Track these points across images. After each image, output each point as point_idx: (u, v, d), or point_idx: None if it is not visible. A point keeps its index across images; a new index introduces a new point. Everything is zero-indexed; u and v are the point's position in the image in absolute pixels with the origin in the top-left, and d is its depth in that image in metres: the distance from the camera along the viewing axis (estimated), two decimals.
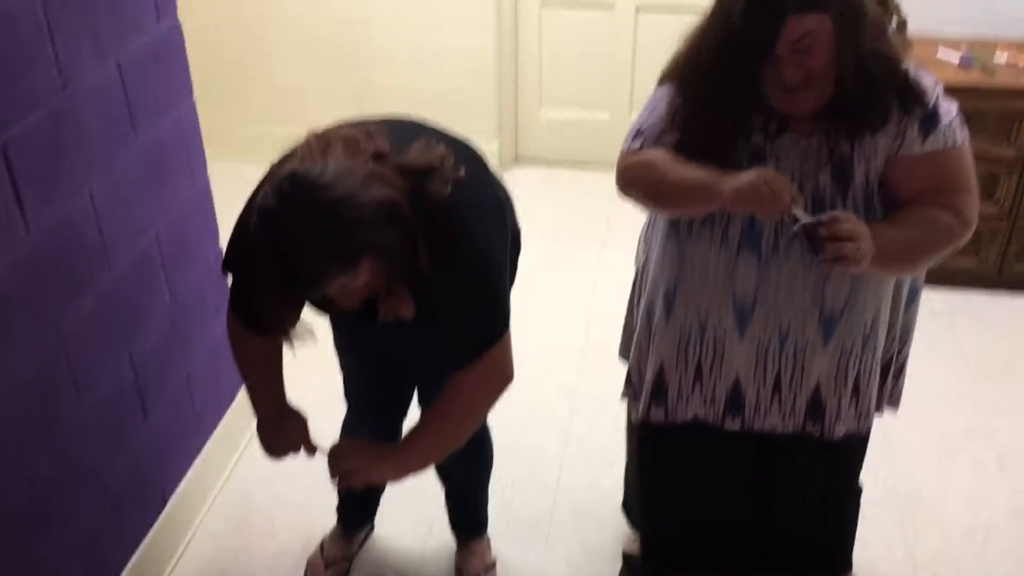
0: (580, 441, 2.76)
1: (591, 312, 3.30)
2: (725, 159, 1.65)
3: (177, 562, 2.35)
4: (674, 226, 1.77)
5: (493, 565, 2.32)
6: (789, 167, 1.65)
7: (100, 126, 1.89)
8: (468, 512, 2.33)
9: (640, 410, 1.95)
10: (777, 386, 1.83)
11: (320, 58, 4.03)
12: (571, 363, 3.06)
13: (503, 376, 1.72)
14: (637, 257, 1.99)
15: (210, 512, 2.50)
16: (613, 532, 2.46)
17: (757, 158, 1.66)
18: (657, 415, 1.93)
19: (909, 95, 1.62)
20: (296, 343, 1.65)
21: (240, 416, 2.66)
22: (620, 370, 2.99)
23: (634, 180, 1.76)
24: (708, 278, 1.75)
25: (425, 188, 1.50)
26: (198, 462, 2.44)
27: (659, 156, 1.72)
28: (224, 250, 1.72)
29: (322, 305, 1.72)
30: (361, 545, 2.41)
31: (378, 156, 1.46)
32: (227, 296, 2.49)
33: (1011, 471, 2.64)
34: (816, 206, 1.65)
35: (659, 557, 2.27)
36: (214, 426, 2.53)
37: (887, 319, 1.80)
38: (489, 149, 3.88)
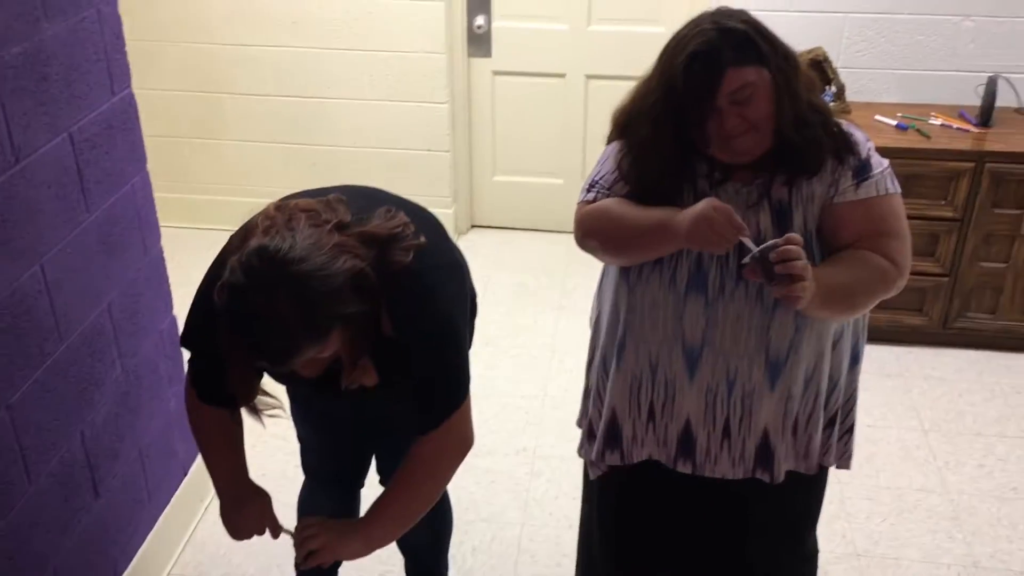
0: (540, 504, 2.75)
1: (549, 376, 3.31)
2: (670, 205, 1.70)
3: None
4: (624, 272, 1.81)
5: None
6: (731, 206, 1.69)
7: (52, 200, 1.88)
8: None
9: (594, 454, 1.95)
10: (727, 431, 1.85)
11: (274, 127, 4.06)
12: (529, 427, 3.06)
13: (464, 441, 1.72)
14: (591, 316, 2.02)
15: None
16: None
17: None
18: (612, 459, 1.93)
19: (842, 146, 1.70)
20: (263, 414, 1.64)
21: (194, 489, 2.62)
22: (578, 433, 3.01)
23: (592, 229, 1.80)
24: (658, 321, 1.78)
25: (388, 256, 1.51)
26: (151, 538, 2.39)
27: (613, 203, 1.77)
28: (183, 324, 1.71)
29: (282, 376, 1.72)
30: None
31: (340, 226, 1.48)
32: (181, 368, 2.49)
33: (966, 524, 2.68)
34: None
35: None
36: (167, 500, 2.48)
37: (829, 366, 1.84)
38: (445, 215, 3.91)
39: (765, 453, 1.87)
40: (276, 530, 1.78)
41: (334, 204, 1.53)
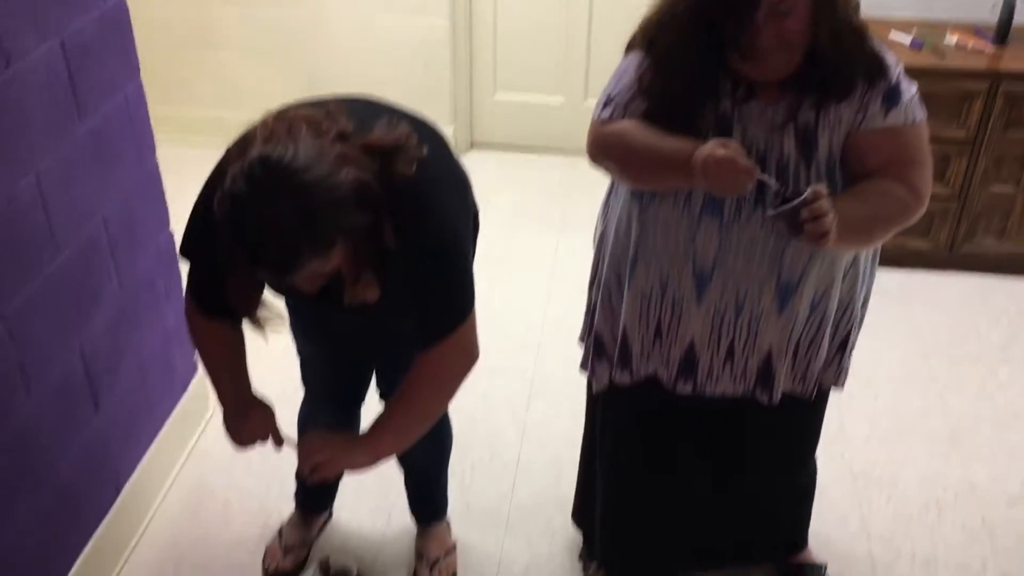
0: (538, 424, 2.76)
1: (549, 298, 3.30)
2: (691, 124, 1.65)
3: (133, 550, 2.32)
4: (637, 191, 1.77)
5: (453, 548, 2.32)
6: (755, 134, 1.66)
7: (44, 107, 1.83)
8: (428, 496, 2.32)
9: (604, 374, 1.95)
10: (730, 353, 1.85)
11: (271, 42, 3.97)
12: (529, 348, 3.05)
13: (469, 355, 1.71)
14: (595, 232, 1.99)
15: (166, 500, 2.46)
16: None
17: (723, 124, 1.66)
18: (623, 378, 1.93)
19: (874, 68, 1.64)
20: (265, 328, 1.62)
21: (194, 403, 2.62)
22: (578, 354, 3.00)
23: (607, 151, 1.76)
24: (669, 240, 1.76)
25: (391, 167, 1.48)
26: (152, 451, 2.40)
27: (631, 127, 1.72)
28: (181, 236, 1.67)
29: (282, 289, 1.69)
30: (320, 531, 2.39)
31: (342, 136, 1.44)
32: (179, 283, 2.47)
33: (963, 447, 2.69)
34: (780, 175, 1.66)
35: (617, 552, 2.27)
36: (167, 414, 2.49)
37: (839, 292, 1.82)
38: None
39: (766, 373, 1.87)
40: (279, 441, 1.79)
41: (335, 114, 1.49)
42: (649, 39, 1.69)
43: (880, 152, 1.67)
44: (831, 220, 1.54)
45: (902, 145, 1.68)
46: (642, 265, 1.81)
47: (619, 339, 1.90)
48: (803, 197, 1.53)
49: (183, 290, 2.46)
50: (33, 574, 1.95)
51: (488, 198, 3.85)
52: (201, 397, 2.67)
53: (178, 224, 2.43)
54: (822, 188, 1.56)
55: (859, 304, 1.89)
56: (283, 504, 2.44)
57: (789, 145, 1.66)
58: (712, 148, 1.58)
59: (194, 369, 2.62)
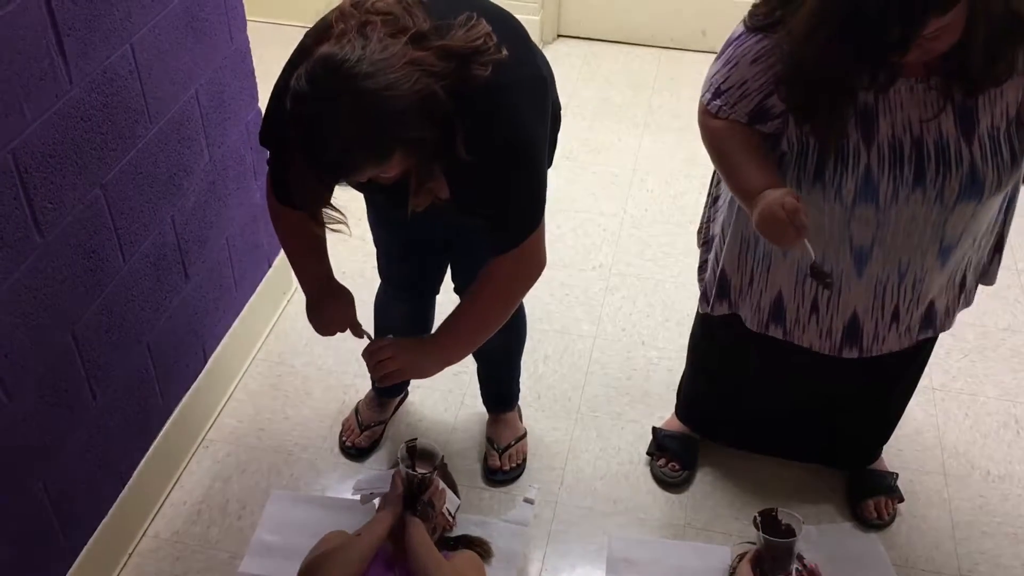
0: (613, 320, 2.77)
1: (629, 195, 3.26)
2: (830, 124, 1.57)
3: (217, 417, 2.42)
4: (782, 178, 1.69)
5: (523, 436, 2.36)
6: (906, 118, 1.57)
7: None
8: (501, 385, 2.36)
9: (756, 325, 1.93)
10: (895, 316, 1.83)
11: None
12: (607, 245, 3.04)
13: (538, 264, 1.70)
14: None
15: (248, 373, 2.55)
16: (643, 408, 2.48)
17: (867, 118, 1.57)
18: (776, 332, 1.92)
19: None
20: (329, 226, 1.62)
21: (278, 281, 2.69)
22: (655, 253, 3.00)
23: (708, 144, 1.75)
24: (823, 224, 1.69)
25: (466, 71, 1.42)
26: (237, 324, 2.48)
27: (727, 141, 1.68)
28: (262, 119, 1.68)
29: (356, 184, 1.69)
30: (395, 411, 2.46)
31: (417, 37, 1.38)
32: (265, 161, 2.49)
33: None
34: (941, 155, 1.58)
35: (702, 430, 2.32)
36: (253, 289, 2.56)
37: (996, 221, 1.79)
38: (531, 22, 3.77)
39: (929, 317, 1.86)
40: (358, 331, 1.83)
41: (413, 8, 1.42)
42: (785, 36, 1.53)
43: None
44: None
45: None
46: None
47: (772, 301, 1.88)
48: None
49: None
50: (129, 431, 2.05)
51: (573, 90, 3.81)
52: (284, 275, 2.73)
53: (264, 104, 2.46)
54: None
55: (1013, 208, 1.82)
56: (360, 382, 2.51)
57: (947, 124, 1.57)
58: (774, 202, 1.53)
59: (278, 247, 2.68)
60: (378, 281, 2.23)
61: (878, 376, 2.05)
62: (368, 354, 1.75)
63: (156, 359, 2.11)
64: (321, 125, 1.33)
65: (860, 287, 1.78)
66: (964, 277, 1.85)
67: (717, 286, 1.95)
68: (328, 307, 1.81)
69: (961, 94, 1.55)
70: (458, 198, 1.58)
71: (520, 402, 2.41)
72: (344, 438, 2.37)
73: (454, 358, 1.79)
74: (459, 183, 1.55)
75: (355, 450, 2.34)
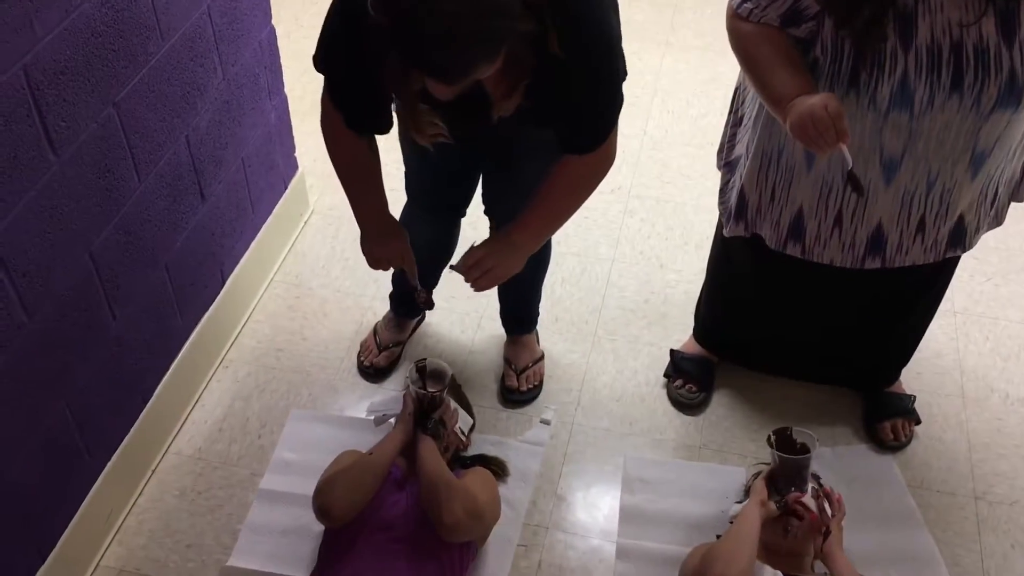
0: (631, 242, 2.75)
1: (649, 116, 3.20)
2: (869, 25, 1.52)
3: (236, 338, 2.44)
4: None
5: (541, 358, 2.37)
6: (946, 21, 1.52)
7: None
8: (521, 307, 2.36)
9: (775, 243, 1.91)
10: (921, 227, 1.80)
11: None
12: (626, 165, 3.00)
13: (612, 157, 1.73)
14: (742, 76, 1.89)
15: (267, 293, 2.56)
16: (660, 331, 2.48)
17: (905, 20, 1.52)
18: (794, 251, 1.90)
19: None
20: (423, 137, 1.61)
21: (295, 202, 2.68)
22: (674, 175, 2.96)
23: (735, 49, 1.69)
24: (854, 134, 1.64)
25: None
26: (254, 245, 2.48)
27: (757, 44, 1.63)
28: (317, 43, 1.63)
29: (408, 121, 1.64)
30: (412, 332, 2.46)
31: None
32: (280, 80, 2.47)
33: None
34: (980, 59, 1.53)
35: (719, 352, 2.32)
36: (270, 211, 2.55)
37: None
38: None
39: (958, 233, 1.83)
40: (412, 269, 1.86)
41: None
42: None
43: None
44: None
45: None
46: (823, 157, 1.70)
47: (792, 219, 1.85)
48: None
49: (284, 88, 2.49)
50: (150, 351, 2.07)
51: None
52: (301, 197, 2.72)
53: (278, 23, 2.41)
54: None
55: None
56: (377, 304, 2.51)
57: (988, 27, 1.51)
58: (816, 104, 1.48)
59: (295, 168, 2.66)
60: (402, 201, 2.20)
61: (898, 296, 2.04)
62: (468, 268, 1.77)
63: (174, 279, 2.12)
64: (440, 21, 1.28)
65: (887, 197, 1.75)
66: (996, 193, 1.82)
67: (735, 206, 1.92)
68: (383, 242, 1.84)
69: None
70: (540, 104, 1.56)
71: (538, 326, 2.41)
72: (362, 358, 2.38)
73: (532, 251, 1.81)
74: (544, 86, 1.52)
75: (373, 370, 2.36)
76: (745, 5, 1.63)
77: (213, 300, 2.31)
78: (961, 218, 1.81)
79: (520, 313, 2.37)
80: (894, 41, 1.54)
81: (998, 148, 1.68)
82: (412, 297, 1.95)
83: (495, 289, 2.34)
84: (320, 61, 1.64)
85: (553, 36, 1.43)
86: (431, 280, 2.33)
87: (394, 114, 1.74)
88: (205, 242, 2.23)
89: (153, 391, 2.11)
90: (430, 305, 1.99)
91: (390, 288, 2.41)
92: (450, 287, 2.43)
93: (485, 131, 1.64)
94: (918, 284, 2.01)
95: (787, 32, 1.62)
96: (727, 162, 1.99)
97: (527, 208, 1.76)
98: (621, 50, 1.62)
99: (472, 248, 1.79)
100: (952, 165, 1.68)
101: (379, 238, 1.84)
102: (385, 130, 1.72)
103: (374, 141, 1.76)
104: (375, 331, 2.42)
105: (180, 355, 2.20)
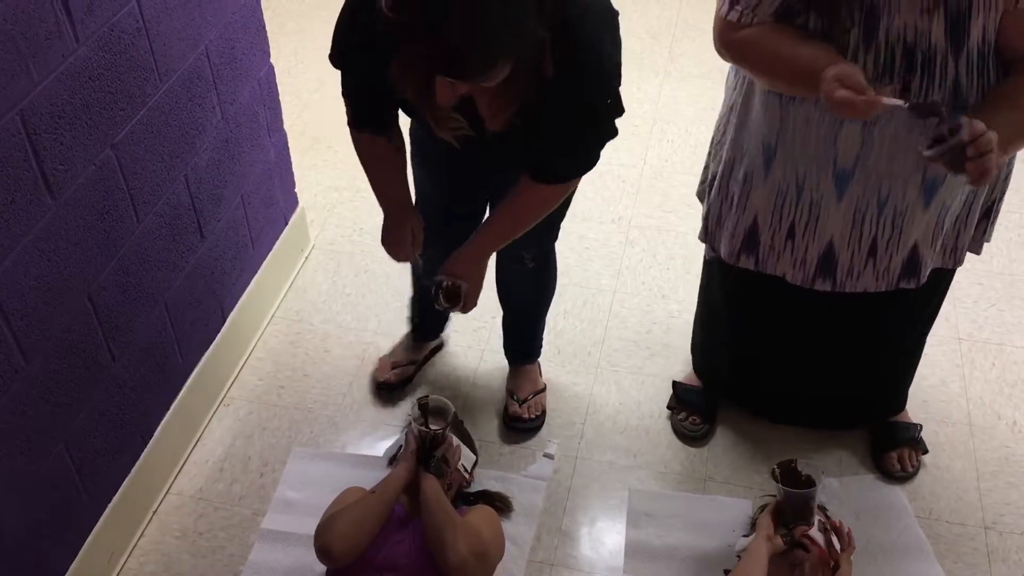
0: (633, 272, 2.74)
1: (649, 145, 3.21)
2: (835, 16, 1.52)
3: (237, 375, 2.43)
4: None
5: (543, 390, 2.36)
6: (902, 21, 1.52)
7: None
8: (524, 337, 2.35)
9: (728, 255, 1.91)
10: (872, 250, 1.79)
11: None
12: (626, 197, 3.00)
13: (574, 186, 1.76)
14: (726, 98, 1.88)
15: (268, 330, 2.55)
16: (662, 362, 2.47)
17: (871, 14, 1.52)
18: (747, 263, 1.90)
19: None
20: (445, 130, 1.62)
21: (295, 238, 2.68)
22: (675, 204, 2.96)
23: (737, 56, 1.66)
24: (810, 140, 1.66)
25: None
26: (255, 282, 2.48)
27: (763, 36, 1.59)
28: (332, 41, 1.65)
29: (425, 115, 1.63)
30: (429, 356, 2.47)
31: None
32: (280, 117, 2.48)
33: None
34: (926, 66, 1.54)
35: (717, 387, 2.30)
36: (270, 247, 2.55)
37: None
38: None
39: (912, 264, 1.81)
40: (415, 259, 1.93)
41: None
42: None
43: None
44: (995, 156, 1.40)
45: None
46: (780, 160, 1.72)
47: (749, 225, 1.85)
48: (960, 136, 1.38)
49: (283, 125, 2.50)
50: (150, 391, 2.06)
51: None
52: (301, 232, 2.72)
53: (277, 60, 2.43)
54: (979, 125, 1.40)
55: (1005, 173, 1.77)
56: (380, 339, 2.51)
57: (938, 32, 1.52)
58: (837, 75, 1.44)
59: (295, 204, 2.67)
60: None
61: (885, 323, 2.01)
62: (460, 299, 1.83)
63: (174, 319, 2.11)
64: (465, 11, 1.29)
65: (839, 212, 1.74)
66: (957, 234, 1.80)
67: (745, 238, 1.90)
68: (402, 232, 1.89)
69: None
70: (528, 125, 1.57)
71: (541, 358, 2.40)
72: (376, 373, 2.41)
73: (484, 263, 1.86)
74: (535, 108, 1.53)
75: (385, 386, 2.38)
76: (735, 9, 1.61)
77: (214, 338, 2.31)
78: (915, 248, 1.78)
79: (524, 342, 2.36)
80: (858, 36, 1.54)
81: (951, 179, 1.66)
82: (432, 305, 1.93)
83: (496, 321, 2.35)
84: (334, 57, 1.67)
85: (549, 58, 1.44)
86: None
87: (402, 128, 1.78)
88: (205, 280, 2.23)
89: (153, 431, 2.10)
90: (453, 301, 1.89)
91: (391, 322, 2.41)
92: (457, 316, 2.43)
93: (485, 147, 1.67)
94: (906, 309, 1.99)
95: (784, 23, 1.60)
96: (708, 181, 1.99)
97: (482, 230, 1.82)
98: (616, 88, 1.61)
99: (449, 288, 1.83)
100: (903, 184, 1.67)
101: (398, 226, 1.90)
102: (386, 132, 1.76)
103: (398, 136, 1.80)
104: (392, 351, 2.44)
105: (181, 394, 2.19)
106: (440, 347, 2.50)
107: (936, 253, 1.83)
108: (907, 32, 1.53)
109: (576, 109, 1.57)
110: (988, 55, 1.55)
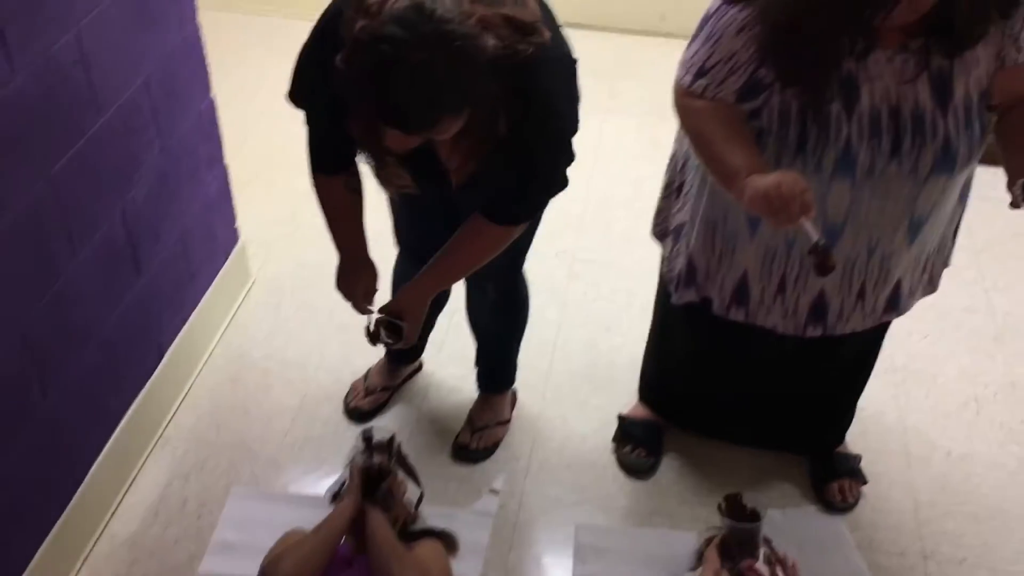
0: (577, 306, 2.75)
1: (591, 179, 3.24)
2: (816, 92, 1.55)
3: (174, 414, 2.37)
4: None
5: (505, 423, 2.34)
6: (884, 87, 1.56)
7: None
8: (493, 366, 2.34)
9: (720, 309, 1.92)
10: (862, 293, 1.82)
11: None
12: (570, 229, 3.02)
13: (524, 226, 1.77)
14: (679, 139, 1.91)
15: (207, 367, 2.50)
16: (608, 395, 2.47)
17: (849, 86, 1.56)
18: (738, 315, 1.91)
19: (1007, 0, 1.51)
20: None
21: (236, 272, 2.64)
22: (617, 238, 2.99)
23: (686, 127, 1.70)
24: None
25: (518, 45, 1.42)
26: (194, 318, 2.42)
27: (711, 123, 1.63)
28: (290, 81, 1.65)
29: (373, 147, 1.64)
30: (405, 380, 2.45)
31: (476, 1, 1.39)
32: (220, 151, 2.45)
33: (1008, 346, 2.65)
34: (917, 125, 1.58)
35: (665, 416, 2.32)
36: (209, 283, 2.50)
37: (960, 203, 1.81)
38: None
39: (895, 298, 1.86)
40: (363, 310, 1.90)
41: None
42: (769, 4, 1.52)
43: None
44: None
45: None
46: (767, 224, 1.70)
47: (736, 284, 1.87)
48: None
49: (224, 159, 2.46)
50: (82, 430, 2.00)
51: None
52: (242, 267, 2.68)
53: (219, 93, 2.40)
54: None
55: (968, 191, 1.83)
56: (322, 375, 2.47)
57: (924, 94, 1.56)
58: (773, 182, 1.47)
59: (235, 238, 2.63)
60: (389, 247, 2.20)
61: (836, 359, 2.06)
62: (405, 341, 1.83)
63: (110, 356, 2.06)
64: (412, 71, 1.31)
65: None
66: (930, 258, 1.86)
67: (685, 273, 1.93)
68: (355, 277, 1.89)
69: (940, 56, 1.54)
70: (484, 170, 1.59)
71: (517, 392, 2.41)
72: (349, 399, 2.38)
73: (424, 301, 1.85)
74: (489, 156, 1.56)
75: (357, 412, 2.35)
76: (699, 82, 1.63)
77: (150, 376, 2.25)
78: (898, 283, 1.84)
79: (493, 372, 2.35)
80: (838, 107, 1.57)
81: (934, 214, 1.72)
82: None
83: (448, 352, 2.33)
84: (292, 95, 1.67)
85: (504, 112, 1.46)
86: (428, 328, 2.33)
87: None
88: (142, 317, 2.18)
89: (86, 473, 2.03)
90: (393, 338, 1.89)
91: (335, 357, 2.38)
92: (445, 340, 2.41)
93: (449, 191, 1.69)
94: (855, 349, 2.04)
95: (738, 108, 1.63)
96: (671, 229, 2.00)
97: (430, 266, 1.81)
98: (570, 144, 1.65)
99: (388, 324, 1.83)
100: (892, 231, 1.72)
101: (352, 272, 1.89)
102: (347, 170, 1.76)
103: (356, 180, 1.79)
104: (367, 374, 2.40)
105: (115, 433, 2.12)
106: (418, 370, 2.48)
107: (916, 285, 1.88)
108: (890, 96, 1.57)
109: (529, 162, 1.59)
110: (973, 110, 1.59)
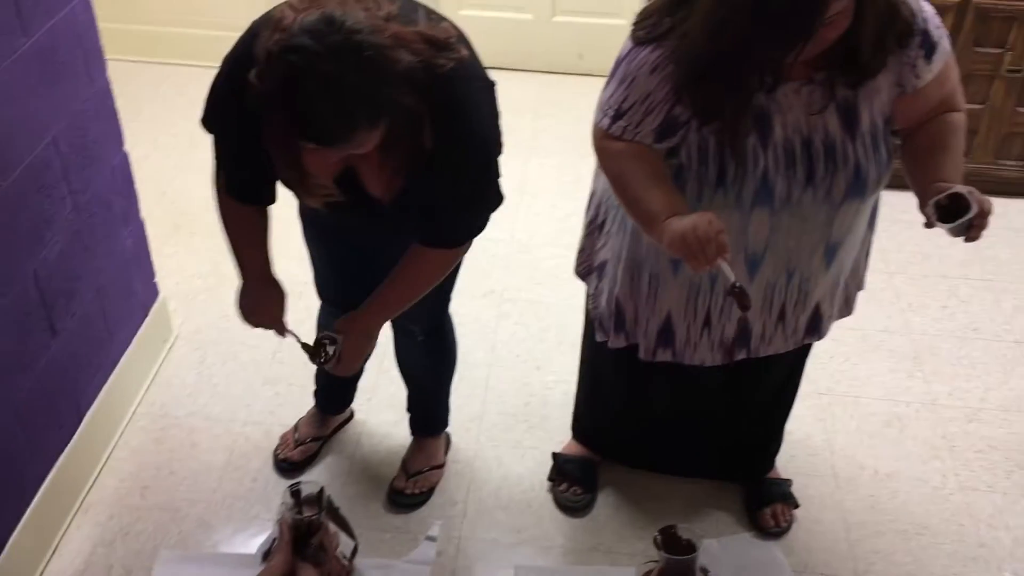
0: (507, 346, 2.75)
1: (516, 219, 3.26)
2: (732, 127, 1.59)
3: (96, 478, 2.29)
4: (680, 191, 1.68)
5: (440, 467, 2.32)
6: (795, 119, 1.61)
7: None
8: (423, 409, 2.32)
9: (645, 353, 1.94)
10: (782, 315, 1.86)
11: None
12: (496, 269, 3.03)
13: (465, 250, 1.78)
14: (596, 176, 1.93)
15: (129, 427, 2.43)
16: (541, 433, 2.47)
17: (762, 119, 1.60)
18: (664, 356, 1.93)
19: (904, 31, 1.58)
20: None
21: (157, 329, 2.58)
22: (544, 276, 3.01)
23: (607, 169, 1.72)
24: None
25: (435, 61, 1.44)
26: (113, 377, 2.36)
27: (629, 167, 1.65)
28: (203, 107, 1.62)
29: (294, 180, 1.62)
30: (336, 430, 2.41)
31: (391, 18, 1.40)
32: (136, 205, 2.40)
33: (926, 364, 2.73)
34: (828, 154, 1.63)
35: (599, 451, 2.33)
36: (129, 340, 2.44)
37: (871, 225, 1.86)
38: None
39: (815, 321, 1.90)
40: (282, 330, 1.86)
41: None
42: (681, 42, 1.54)
43: (932, 97, 1.65)
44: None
45: (948, 78, 1.66)
46: None
47: (660, 327, 1.89)
48: (971, 215, 1.52)
49: (140, 213, 2.42)
50: (1, 501, 1.92)
51: None
52: (163, 323, 2.62)
53: (134, 146, 2.36)
54: (986, 202, 1.53)
55: (876, 215, 1.89)
56: (250, 429, 2.42)
57: (832, 123, 1.62)
58: (689, 224, 1.50)
59: (155, 294, 2.57)
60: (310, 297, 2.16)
61: (762, 386, 2.10)
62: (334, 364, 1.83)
63: (25, 422, 1.98)
64: (325, 82, 1.31)
65: (752, 292, 1.80)
66: (845, 282, 1.91)
67: (614, 318, 1.94)
68: (258, 298, 1.84)
69: (845, 87, 1.60)
70: (409, 194, 1.59)
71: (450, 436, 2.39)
72: (278, 451, 2.33)
73: (377, 329, 1.86)
74: (413, 179, 1.56)
75: (287, 464, 2.30)
76: (617, 124, 1.64)
77: (69, 440, 2.17)
78: (817, 307, 1.88)
79: (424, 415, 2.33)
80: (755, 140, 1.61)
81: (848, 238, 1.77)
82: (329, 380, 1.91)
83: (379, 399, 2.30)
84: (205, 121, 1.64)
85: (427, 126, 1.47)
86: (356, 376, 2.30)
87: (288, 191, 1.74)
88: (58, 379, 2.11)
89: (3, 545, 1.95)
90: (329, 355, 1.87)
91: (262, 411, 2.33)
92: (376, 388, 2.37)
93: (372, 220, 1.69)
94: (782, 373, 2.08)
95: (656, 149, 1.65)
96: (595, 266, 2.01)
97: (376, 295, 1.80)
98: (494, 154, 1.66)
99: (322, 341, 1.82)
100: (809, 255, 1.76)
101: (254, 292, 1.84)
102: (268, 202, 1.73)
103: (262, 208, 1.76)
104: (296, 425, 2.35)
105: (34, 503, 2.04)
106: (348, 420, 2.44)
107: (834, 308, 1.93)
108: (802, 127, 1.61)
109: (458, 177, 1.60)
110: (879, 134, 1.65)
